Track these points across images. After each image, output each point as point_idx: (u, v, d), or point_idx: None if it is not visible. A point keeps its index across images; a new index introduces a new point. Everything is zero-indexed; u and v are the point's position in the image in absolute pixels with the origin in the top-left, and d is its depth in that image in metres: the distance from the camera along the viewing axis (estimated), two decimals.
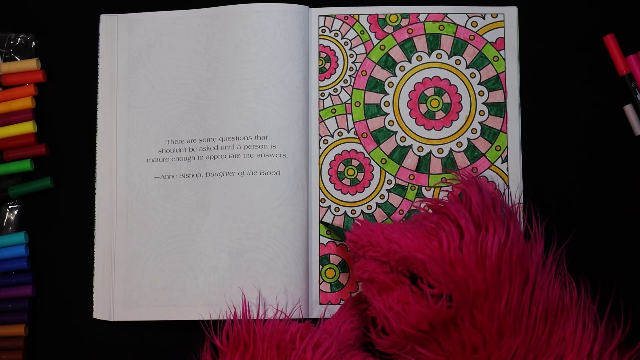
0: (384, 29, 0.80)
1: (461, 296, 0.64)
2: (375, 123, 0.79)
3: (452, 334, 0.66)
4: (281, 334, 0.69)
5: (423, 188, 0.78)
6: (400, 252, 0.66)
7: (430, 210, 0.71)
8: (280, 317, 0.73)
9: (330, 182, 0.79)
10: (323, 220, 0.78)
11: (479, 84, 0.79)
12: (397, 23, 0.80)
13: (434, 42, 0.80)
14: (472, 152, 0.79)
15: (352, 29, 0.81)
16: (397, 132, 0.79)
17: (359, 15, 0.81)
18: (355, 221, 0.76)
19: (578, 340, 0.66)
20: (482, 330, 0.65)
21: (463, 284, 0.64)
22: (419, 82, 0.80)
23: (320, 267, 0.78)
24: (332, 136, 0.79)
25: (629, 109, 0.78)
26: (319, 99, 0.80)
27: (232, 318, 0.72)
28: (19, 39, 0.82)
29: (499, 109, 0.79)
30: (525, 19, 0.80)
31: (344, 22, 0.81)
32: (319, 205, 0.78)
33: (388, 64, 0.80)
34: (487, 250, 0.65)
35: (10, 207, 0.80)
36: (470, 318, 0.65)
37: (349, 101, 0.80)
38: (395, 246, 0.67)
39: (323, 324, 0.72)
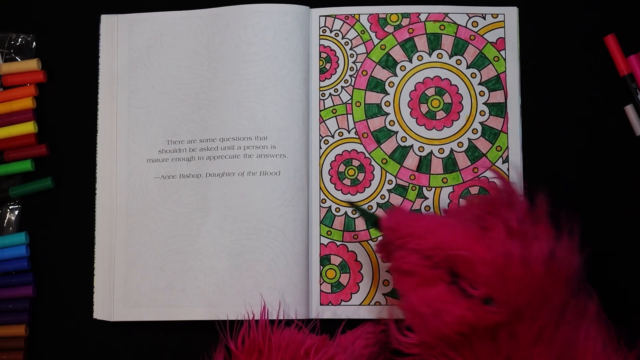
0: (385, 29, 0.80)
1: (509, 304, 0.61)
2: (375, 123, 0.79)
3: (487, 340, 0.63)
4: (297, 346, 0.68)
5: (424, 188, 0.78)
6: (449, 249, 0.63)
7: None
8: (298, 328, 0.72)
9: (331, 182, 0.79)
10: (353, 203, 0.77)
11: (480, 84, 0.79)
12: (397, 23, 0.80)
13: (434, 42, 0.80)
14: (473, 152, 0.78)
15: (352, 29, 0.80)
16: (397, 132, 0.79)
17: (359, 15, 0.81)
18: (392, 206, 0.73)
19: (591, 345, 0.64)
20: (519, 340, 0.62)
21: (514, 293, 0.61)
22: (420, 82, 0.80)
23: (321, 267, 0.78)
24: (332, 136, 0.79)
25: (629, 110, 0.78)
26: (320, 99, 0.80)
27: (239, 319, 0.72)
28: (20, 40, 0.82)
29: (499, 109, 0.79)
30: (526, 19, 0.80)
31: (344, 22, 0.80)
32: (320, 206, 0.78)
33: (389, 63, 0.80)
34: (538, 260, 0.62)
35: (10, 207, 0.80)
36: (510, 327, 0.62)
37: (350, 101, 0.80)
38: (443, 242, 0.63)
39: (338, 338, 0.72)
